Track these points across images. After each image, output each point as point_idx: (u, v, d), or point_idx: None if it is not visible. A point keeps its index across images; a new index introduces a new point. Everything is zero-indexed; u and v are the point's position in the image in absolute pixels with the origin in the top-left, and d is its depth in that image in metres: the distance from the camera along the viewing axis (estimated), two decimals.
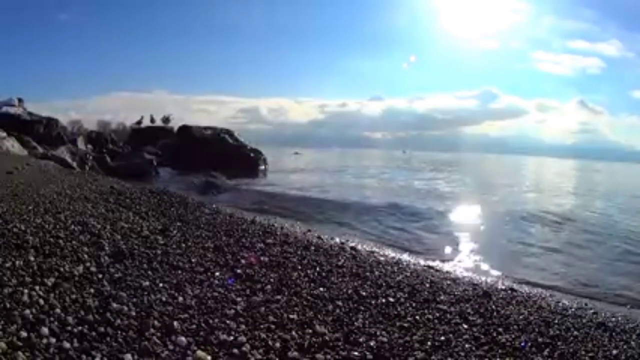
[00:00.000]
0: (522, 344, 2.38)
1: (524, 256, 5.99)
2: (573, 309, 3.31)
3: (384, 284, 3.22)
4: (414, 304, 2.85)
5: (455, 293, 3.23)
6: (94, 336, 1.87)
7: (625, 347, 2.55)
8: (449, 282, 3.62)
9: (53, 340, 1.78)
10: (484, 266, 5.02)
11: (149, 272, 2.81)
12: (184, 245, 3.62)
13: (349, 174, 20.33)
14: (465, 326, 2.55)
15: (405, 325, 2.47)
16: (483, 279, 4.27)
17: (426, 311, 2.74)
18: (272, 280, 2.98)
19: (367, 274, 3.46)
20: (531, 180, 24.26)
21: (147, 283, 2.60)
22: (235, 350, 1.94)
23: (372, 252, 4.73)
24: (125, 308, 2.19)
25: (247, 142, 21.56)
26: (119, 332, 1.95)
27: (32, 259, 2.71)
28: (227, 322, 2.21)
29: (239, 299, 2.55)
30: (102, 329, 1.94)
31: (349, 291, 2.95)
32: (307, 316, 2.43)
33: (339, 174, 19.96)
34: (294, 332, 2.20)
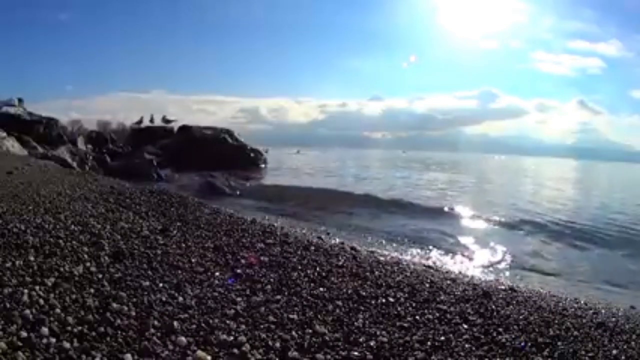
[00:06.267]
0: (522, 344, 2.38)
1: (524, 256, 5.99)
2: (573, 309, 3.31)
3: (384, 284, 3.22)
4: (414, 304, 2.84)
5: (455, 293, 3.23)
6: (94, 336, 1.87)
7: (625, 347, 2.54)
8: (449, 282, 3.62)
9: (53, 340, 1.78)
10: (484, 266, 5.01)
11: (149, 272, 2.81)
12: (184, 245, 3.62)
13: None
14: (465, 326, 2.55)
15: (405, 325, 2.47)
16: (483, 279, 4.28)
17: (426, 311, 2.74)
18: (272, 280, 2.98)
19: (367, 274, 3.46)
20: (530, 182, 24.24)
21: (147, 283, 2.60)
22: (235, 350, 1.94)
23: (372, 252, 4.73)
24: (125, 308, 2.18)
25: (247, 142, 21.59)
26: (119, 332, 1.95)
27: (32, 259, 2.71)
28: (227, 322, 2.21)
29: (239, 299, 2.55)
30: (102, 329, 1.93)
31: (349, 291, 2.94)
32: (307, 316, 2.43)
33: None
34: (294, 332, 2.19)
